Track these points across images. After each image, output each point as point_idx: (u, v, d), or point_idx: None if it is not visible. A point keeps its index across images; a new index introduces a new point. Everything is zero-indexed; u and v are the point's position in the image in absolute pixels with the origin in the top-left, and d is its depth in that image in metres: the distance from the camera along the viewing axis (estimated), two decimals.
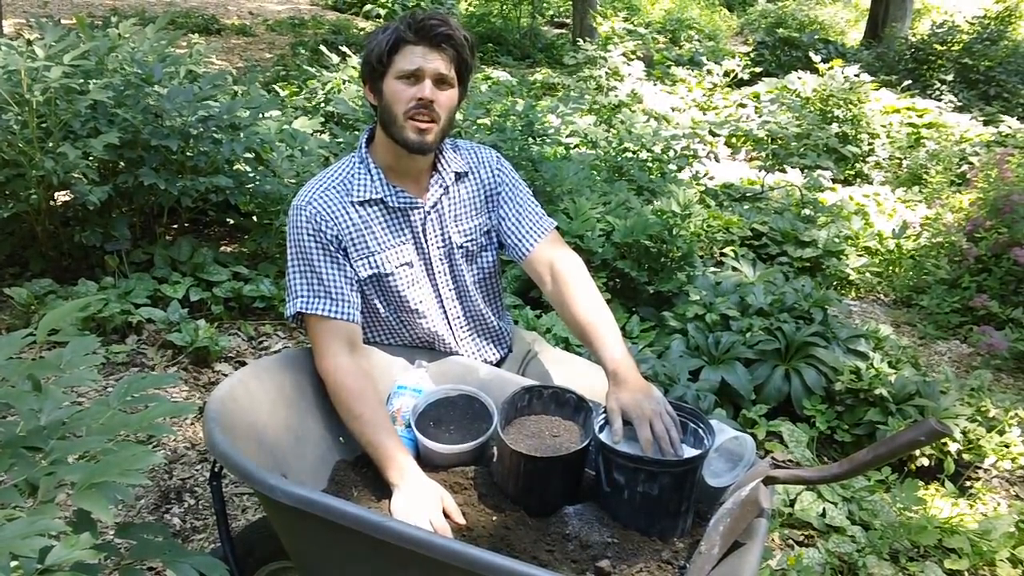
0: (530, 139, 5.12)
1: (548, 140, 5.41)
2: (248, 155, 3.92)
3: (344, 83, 6.31)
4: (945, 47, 10.26)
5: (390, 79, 1.76)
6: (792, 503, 2.73)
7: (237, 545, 1.69)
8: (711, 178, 6.01)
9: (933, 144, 7.44)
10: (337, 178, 1.85)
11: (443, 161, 1.90)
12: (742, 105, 8.94)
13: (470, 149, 1.99)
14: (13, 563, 1.04)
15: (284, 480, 1.38)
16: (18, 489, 1.17)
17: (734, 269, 4.36)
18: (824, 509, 2.70)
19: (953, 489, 2.93)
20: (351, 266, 1.82)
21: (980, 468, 3.11)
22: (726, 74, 10.60)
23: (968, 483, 3.03)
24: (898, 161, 7.44)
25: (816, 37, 11.91)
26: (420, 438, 1.71)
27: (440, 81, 1.77)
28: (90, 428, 1.28)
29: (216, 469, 1.65)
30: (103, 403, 1.35)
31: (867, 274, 5.04)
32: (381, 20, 12.23)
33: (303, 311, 1.78)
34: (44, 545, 1.04)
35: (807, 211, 5.53)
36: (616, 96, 8.39)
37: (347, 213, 1.81)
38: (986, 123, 8.46)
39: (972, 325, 4.43)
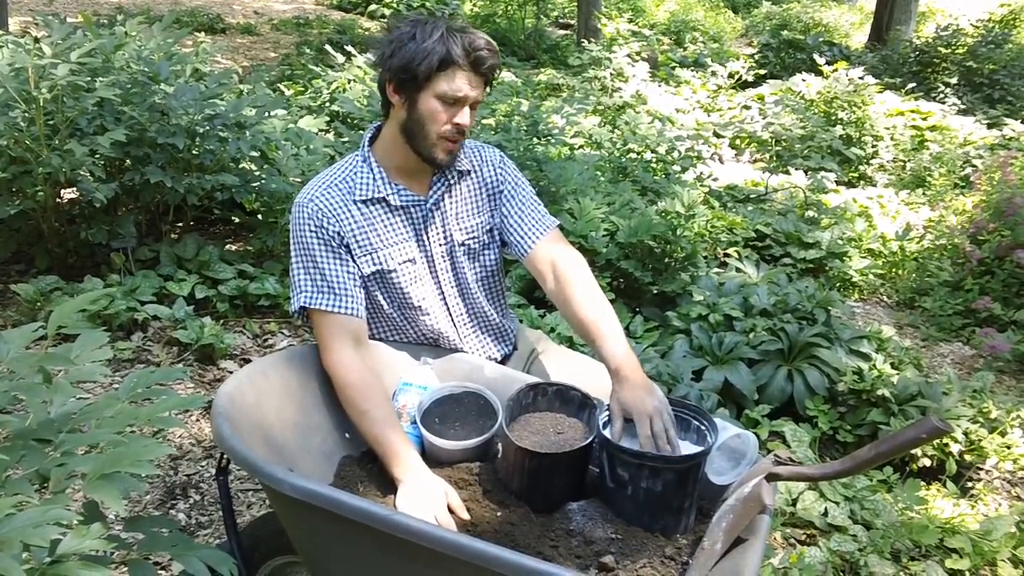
0: (535, 139, 5.14)
1: (553, 140, 5.43)
2: (254, 153, 3.94)
3: (349, 82, 6.33)
4: (949, 50, 10.25)
5: (429, 96, 1.74)
6: (794, 502, 2.74)
7: (243, 539, 1.71)
8: (715, 179, 6.01)
9: (937, 147, 7.44)
10: (339, 176, 1.86)
11: None
12: (746, 107, 8.94)
13: (474, 148, 2.00)
14: (24, 553, 1.05)
15: (292, 473, 1.39)
16: (29, 480, 1.18)
17: (738, 270, 4.36)
18: (826, 508, 2.70)
19: (955, 489, 2.94)
20: (354, 262, 1.83)
21: (982, 469, 3.11)
22: (730, 76, 10.60)
23: (970, 484, 3.03)
24: (902, 163, 7.44)
25: (820, 39, 11.90)
26: (425, 434, 1.73)
27: (474, 105, 1.79)
28: (100, 421, 1.30)
29: (223, 464, 1.67)
30: (112, 397, 1.37)
31: (870, 276, 5.04)
32: (386, 20, 12.23)
33: (307, 306, 1.79)
34: (55, 535, 1.05)
35: (811, 213, 5.54)
36: (621, 97, 8.40)
37: (349, 211, 1.82)
38: (990, 126, 8.46)
39: (975, 327, 4.44)
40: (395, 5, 12.84)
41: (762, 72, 10.97)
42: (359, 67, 6.67)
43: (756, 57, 11.61)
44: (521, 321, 3.50)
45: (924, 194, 6.57)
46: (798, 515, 2.70)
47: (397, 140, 1.83)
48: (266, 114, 4.18)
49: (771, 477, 1.49)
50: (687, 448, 1.60)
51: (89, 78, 3.49)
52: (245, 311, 3.75)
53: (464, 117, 1.75)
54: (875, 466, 1.46)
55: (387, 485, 1.65)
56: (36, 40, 3.59)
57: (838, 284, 4.91)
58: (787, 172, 6.85)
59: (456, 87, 1.73)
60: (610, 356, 1.73)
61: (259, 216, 4.24)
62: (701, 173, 5.96)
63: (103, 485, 1.12)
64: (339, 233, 1.81)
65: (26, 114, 3.30)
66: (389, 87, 1.80)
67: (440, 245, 1.92)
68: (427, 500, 1.55)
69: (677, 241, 4.10)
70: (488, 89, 1.83)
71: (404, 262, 1.87)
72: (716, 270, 4.44)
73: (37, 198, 3.50)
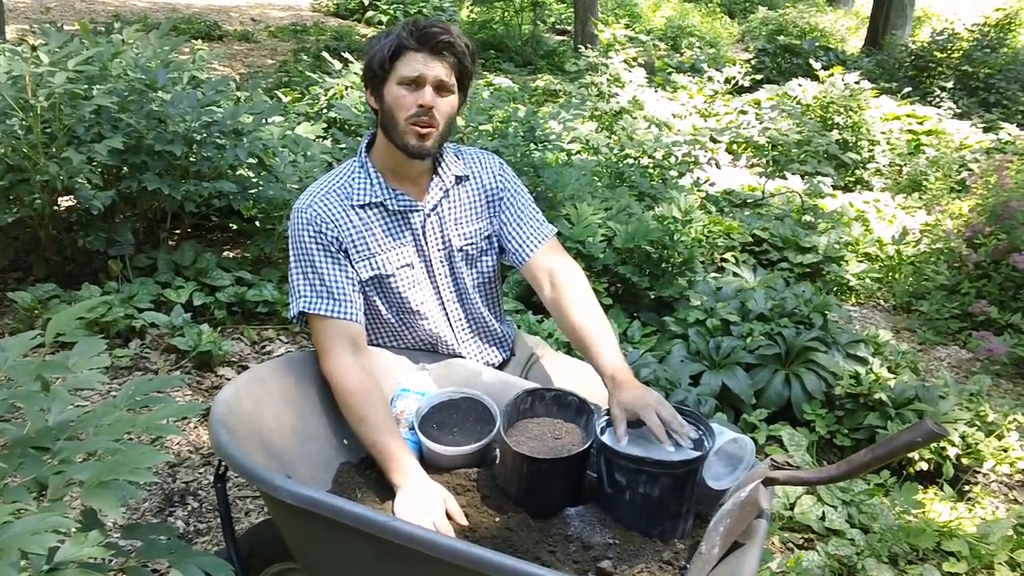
0: (532, 145, 5.14)
1: (550, 146, 5.43)
2: (251, 160, 3.94)
3: (346, 89, 6.33)
4: (945, 54, 10.29)
5: (391, 84, 1.78)
6: (792, 506, 2.74)
7: (241, 546, 1.71)
8: (712, 184, 6.02)
9: (933, 151, 7.46)
10: (337, 182, 1.87)
11: (443, 165, 1.93)
12: (743, 112, 8.96)
13: (473, 154, 2.01)
14: (22, 561, 1.05)
15: (289, 480, 1.39)
16: (27, 488, 1.18)
17: (735, 275, 4.37)
18: (824, 512, 2.70)
19: (952, 493, 2.94)
20: (352, 267, 1.84)
21: (979, 472, 3.12)
22: (727, 81, 10.63)
23: (967, 487, 3.04)
24: (898, 168, 7.46)
25: (816, 44, 11.93)
26: (423, 440, 1.73)
27: (440, 88, 1.79)
28: (98, 428, 1.30)
29: (221, 471, 1.67)
30: (110, 404, 1.37)
31: (867, 280, 5.05)
32: (383, 26, 12.24)
33: (306, 311, 1.80)
34: (53, 543, 1.05)
35: (807, 217, 5.55)
36: (617, 103, 8.41)
37: (347, 216, 1.83)
38: (986, 130, 8.48)
39: (971, 331, 4.44)
40: (391, 12, 12.86)
41: (758, 77, 11.00)
42: (356, 73, 6.67)
43: (752, 62, 11.63)
44: (519, 327, 3.51)
45: (920, 198, 6.59)
46: (796, 519, 2.70)
47: (383, 141, 1.86)
48: (263, 121, 4.18)
49: (768, 481, 1.50)
50: (684, 453, 1.61)
51: (86, 86, 3.50)
52: (243, 318, 3.75)
53: (426, 97, 1.76)
54: (872, 470, 1.46)
55: (385, 491, 1.65)
56: (33, 48, 3.60)
57: (835, 288, 4.92)
58: (784, 177, 6.86)
59: (412, 68, 1.76)
60: (605, 364, 1.75)
61: (257, 223, 4.24)
62: (698, 178, 5.96)
63: (101, 492, 1.12)
64: (337, 238, 1.81)
65: (23, 122, 3.30)
66: (367, 93, 1.86)
67: (438, 250, 1.93)
68: (425, 506, 1.55)
69: (674, 246, 4.11)
70: (453, 72, 1.80)
71: (402, 267, 1.88)
72: (713, 275, 4.45)
73: (35, 206, 3.50)
